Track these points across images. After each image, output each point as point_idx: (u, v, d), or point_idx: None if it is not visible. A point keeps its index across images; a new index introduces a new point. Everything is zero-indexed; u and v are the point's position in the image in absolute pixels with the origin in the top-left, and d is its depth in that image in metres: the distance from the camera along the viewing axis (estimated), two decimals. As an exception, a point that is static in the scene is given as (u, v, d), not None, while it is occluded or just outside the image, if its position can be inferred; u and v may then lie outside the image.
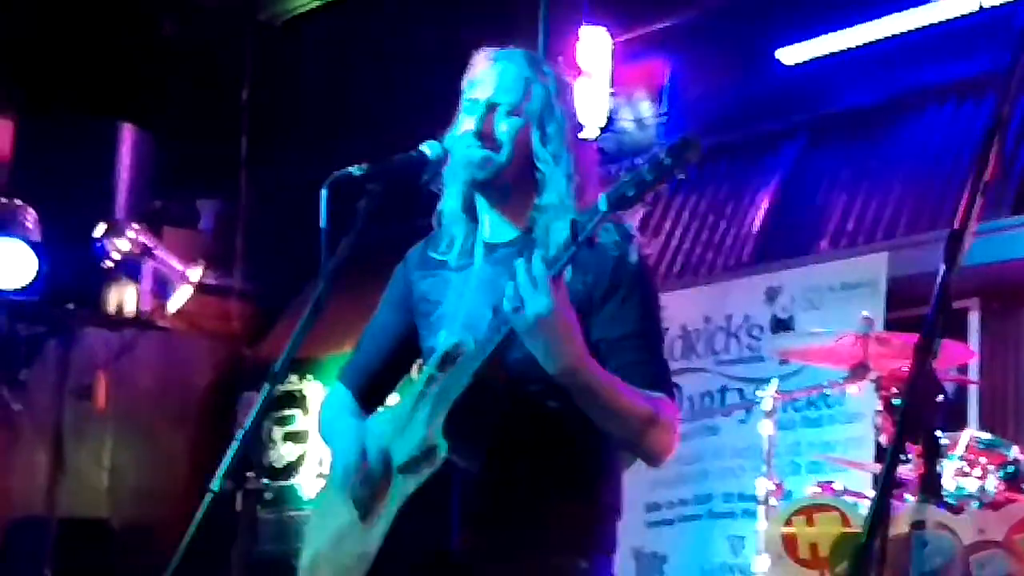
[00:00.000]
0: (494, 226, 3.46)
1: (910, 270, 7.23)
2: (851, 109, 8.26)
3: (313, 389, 10.14)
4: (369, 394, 3.68)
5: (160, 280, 9.43)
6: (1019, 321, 7.25)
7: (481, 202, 3.47)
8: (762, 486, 5.58)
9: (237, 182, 9.99)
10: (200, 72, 9.95)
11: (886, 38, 7.99)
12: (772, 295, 7.62)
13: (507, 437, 3.25)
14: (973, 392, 7.20)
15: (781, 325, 7.54)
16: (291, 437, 10.22)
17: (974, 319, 7.35)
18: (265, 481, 10.24)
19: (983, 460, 4.96)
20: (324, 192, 3.34)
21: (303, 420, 10.18)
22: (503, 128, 3.36)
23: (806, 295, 7.49)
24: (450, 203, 3.52)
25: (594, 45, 8.73)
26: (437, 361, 3.36)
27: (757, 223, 8.24)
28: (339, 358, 10.07)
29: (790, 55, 8.43)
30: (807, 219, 8.09)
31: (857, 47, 8.12)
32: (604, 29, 8.83)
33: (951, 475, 4.94)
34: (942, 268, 2.32)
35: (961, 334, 7.16)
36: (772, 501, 5.54)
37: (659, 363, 3.29)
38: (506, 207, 3.43)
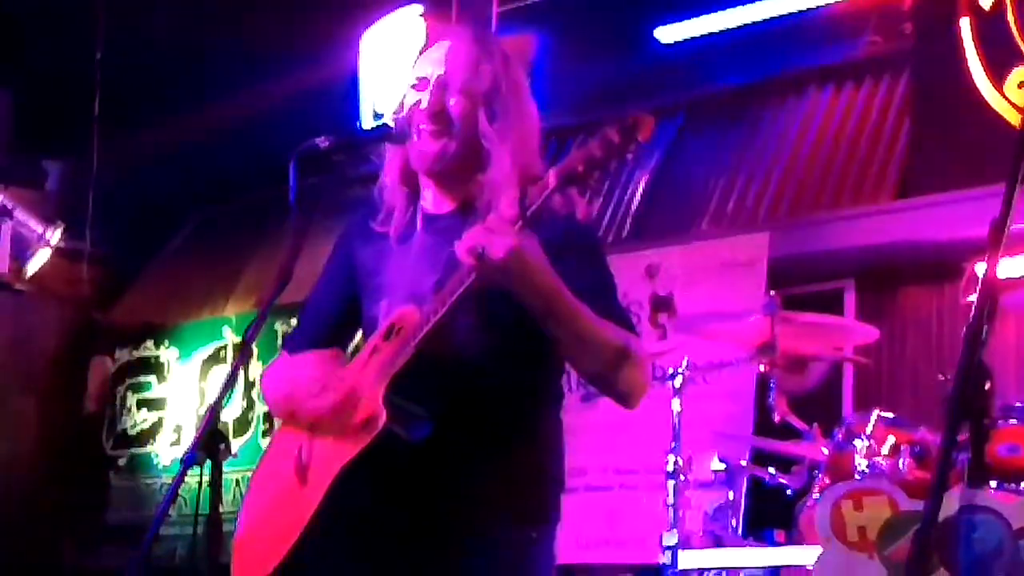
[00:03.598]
0: (436, 198, 3.48)
1: (790, 250, 7.37)
2: (730, 89, 8.34)
3: (170, 356, 10.01)
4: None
5: (17, 242, 9.23)
6: (893, 302, 7.39)
7: (423, 175, 3.48)
8: (671, 461, 5.64)
9: (88, 143, 9.78)
10: (52, 30, 9.74)
11: (767, 19, 8.08)
12: (652, 272, 7.69)
13: (450, 408, 3.26)
14: (848, 371, 7.35)
15: (661, 302, 7.62)
16: (146, 404, 10.09)
17: (850, 299, 7.48)
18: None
19: (892, 439, 5.06)
20: (292, 165, 3.30)
21: (159, 387, 10.05)
22: (455, 108, 3.37)
23: (686, 273, 7.57)
24: (391, 175, 3.52)
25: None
26: (382, 332, 3.35)
27: (636, 201, 8.30)
28: (196, 325, 10.02)
29: (668, 34, 8.48)
30: (687, 197, 8.17)
31: (737, 27, 8.19)
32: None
33: (863, 454, 5.04)
34: (988, 256, 2.34)
35: (838, 313, 7.29)
36: (681, 477, 5.61)
37: (621, 310, 3.33)
38: (449, 181, 3.44)
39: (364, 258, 3.56)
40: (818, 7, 7.91)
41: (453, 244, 3.31)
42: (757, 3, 8.09)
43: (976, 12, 6.98)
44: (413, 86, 3.44)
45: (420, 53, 3.52)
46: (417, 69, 3.45)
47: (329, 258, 3.70)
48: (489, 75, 3.40)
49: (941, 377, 4.64)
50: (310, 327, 3.71)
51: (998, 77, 6.84)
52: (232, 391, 3.16)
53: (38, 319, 10.39)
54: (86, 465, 10.21)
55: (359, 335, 3.62)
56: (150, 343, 10.15)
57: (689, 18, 8.38)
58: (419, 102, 3.39)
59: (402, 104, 3.46)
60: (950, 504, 2.24)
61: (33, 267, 9.32)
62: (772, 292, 5.97)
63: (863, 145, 7.61)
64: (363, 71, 9.21)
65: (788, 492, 5.77)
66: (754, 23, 8.12)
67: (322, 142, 3.34)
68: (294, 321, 3.85)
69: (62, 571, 10.12)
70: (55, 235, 9.28)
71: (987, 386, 2.25)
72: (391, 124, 3.44)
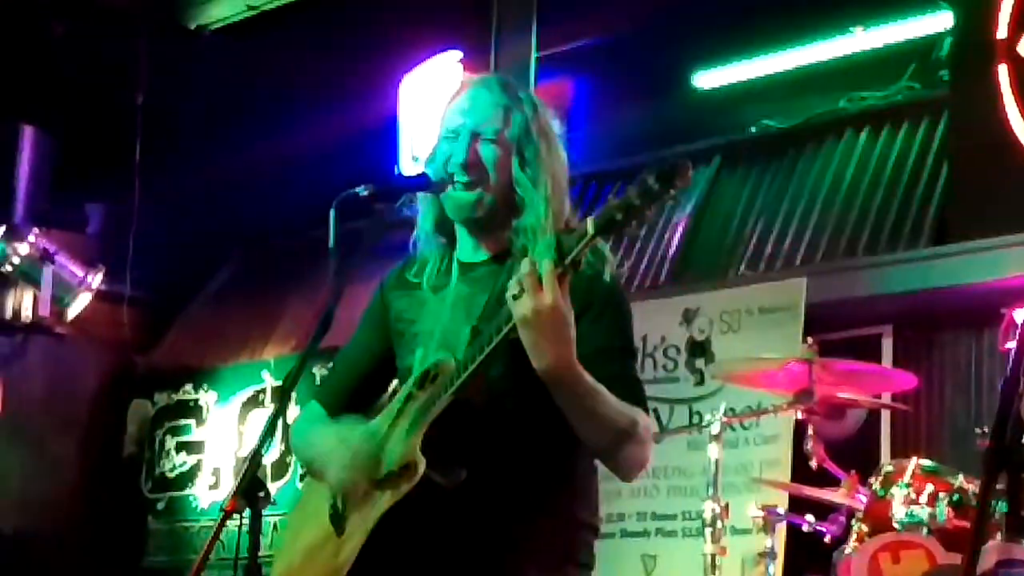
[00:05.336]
0: (471, 247, 3.51)
1: (828, 295, 7.36)
2: (767, 133, 8.35)
3: (209, 399, 10.04)
4: (344, 412, 3.68)
5: (58, 285, 9.30)
6: (931, 348, 7.36)
7: (459, 224, 3.50)
8: (709, 508, 5.64)
9: (129, 186, 9.85)
10: (94, 74, 9.81)
11: (804, 66, 8.11)
12: (689, 317, 7.69)
13: (485, 454, 3.29)
14: (885, 418, 7.32)
15: (698, 347, 7.63)
16: (185, 447, 10.11)
17: (887, 345, 7.46)
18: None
19: (930, 487, 5.03)
20: (332, 212, 3.34)
21: (198, 430, 10.07)
22: (488, 158, 3.40)
23: (723, 318, 7.57)
24: (426, 226, 3.54)
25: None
26: (417, 379, 3.38)
27: (673, 245, 8.30)
28: (235, 368, 10.05)
29: (706, 80, 8.52)
30: (724, 242, 8.17)
31: (775, 74, 8.23)
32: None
33: (901, 503, 5.02)
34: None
35: (875, 359, 7.27)
36: (719, 524, 5.60)
37: (634, 378, 3.35)
38: (484, 229, 3.47)
39: (400, 309, 3.59)
40: (856, 53, 7.94)
41: (488, 292, 3.34)
42: (794, 50, 8.13)
43: (1013, 59, 6.97)
44: (445, 138, 3.46)
45: (450, 99, 3.53)
46: (447, 120, 3.48)
47: (366, 310, 3.73)
48: (520, 122, 3.43)
49: (978, 430, 4.63)
50: (341, 377, 3.76)
51: (1036, 124, 6.85)
52: (272, 438, 3.18)
53: (78, 362, 10.43)
54: (124, 508, 10.23)
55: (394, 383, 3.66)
56: (189, 386, 10.18)
57: (727, 64, 8.43)
58: (452, 154, 3.42)
59: (434, 154, 3.49)
60: (988, 558, 2.25)
61: (74, 310, 9.40)
62: (809, 338, 5.97)
63: (901, 190, 7.61)
64: (402, 116, 9.27)
65: (826, 539, 5.75)
66: (792, 69, 8.16)
67: (362, 191, 3.37)
68: (330, 368, 3.88)
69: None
70: (96, 279, 9.36)
71: (1024, 440, 2.26)
72: (428, 173, 3.47)
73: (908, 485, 5.06)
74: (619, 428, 3.21)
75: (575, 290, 3.16)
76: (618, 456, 3.27)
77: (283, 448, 9.02)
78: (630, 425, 3.22)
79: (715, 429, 5.71)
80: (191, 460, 10.05)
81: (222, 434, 9.90)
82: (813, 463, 5.91)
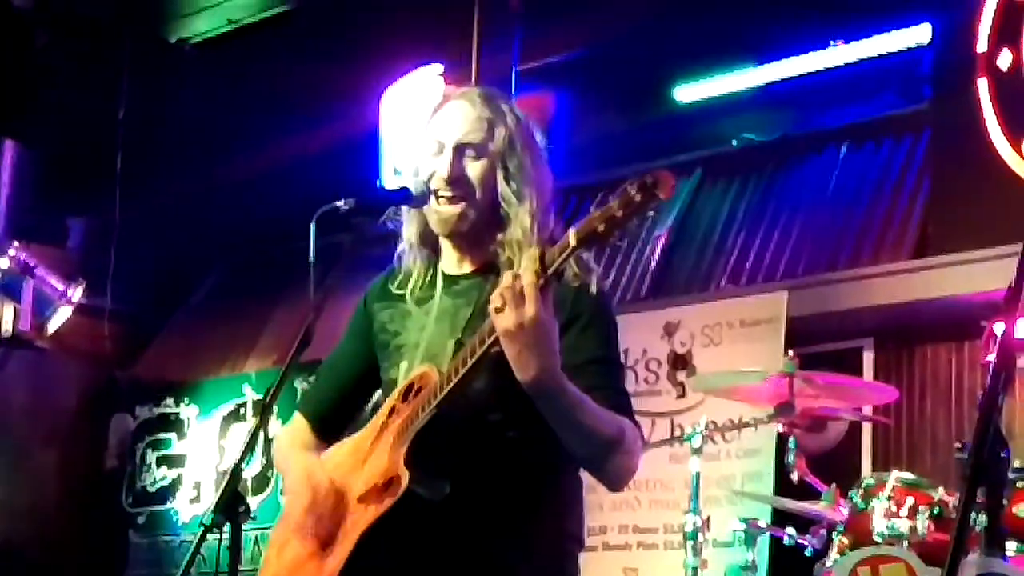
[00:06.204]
0: (455, 260, 3.50)
1: (809, 308, 7.37)
2: (748, 147, 8.36)
3: (190, 413, 10.03)
4: (328, 424, 3.70)
5: (39, 299, 9.29)
6: (912, 361, 7.38)
7: (443, 238, 3.50)
8: (690, 521, 5.65)
9: (110, 200, 9.84)
10: (75, 87, 9.80)
11: (785, 79, 8.12)
12: (670, 330, 7.70)
13: (469, 467, 3.28)
14: (866, 431, 7.34)
15: (679, 360, 7.63)
16: (165, 461, 10.09)
17: (868, 358, 7.48)
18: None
19: (911, 500, 5.04)
20: (312, 226, 3.33)
21: (179, 444, 10.06)
22: (472, 172, 3.39)
23: (705, 331, 7.58)
24: (410, 238, 3.53)
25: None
26: (400, 392, 3.37)
27: (655, 258, 8.31)
28: (216, 382, 10.03)
29: (687, 93, 8.53)
30: (705, 255, 8.18)
31: (756, 87, 8.24)
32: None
33: (881, 515, 5.03)
34: (1003, 324, 2.35)
35: (856, 372, 7.29)
36: (700, 537, 5.61)
37: (621, 389, 3.33)
38: (469, 242, 3.46)
39: (383, 320, 3.58)
40: (836, 67, 7.96)
41: (472, 305, 3.33)
42: (776, 64, 8.14)
43: (994, 73, 7.00)
44: (428, 151, 3.45)
45: (433, 113, 3.53)
46: (431, 133, 3.46)
47: (350, 320, 3.72)
48: (503, 135, 3.41)
49: (957, 444, 4.63)
50: (324, 388, 3.76)
51: (1016, 138, 6.86)
52: (252, 453, 3.17)
53: (59, 376, 10.42)
54: (105, 522, 10.21)
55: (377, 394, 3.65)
56: (170, 400, 10.17)
57: (708, 78, 8.44)
58: (436, 168, 3.41)
59: (418, 168, 3.48)
60: (967, 573, 2.24)
61: (55, 324, 9.38)
62: (791, 351, 5.98)
63: (882, 204, 7.63)
64: (384, 129, 9.26)
65: (807, 552, 5.75)
66: (773, 83, 8.17)
67: (342, 204, 3.36)
68: (313, 379, 3.88)
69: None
70: (76, 293, 9.34)
71: (1003, 454, 2.25)
72: (410, 187, 3.46)
73: (889, 498, 5.07)
74: (606, 438, 3.19)
75: (562, 301, 3.17)
76: (605, 466, 3.25)
77: (264, 462, 9.00)
78: (617, 435, 3.21)
79: (696, 442, 5.73)
80: (172, 474, 10.03)
81: (203, 448, 9.89)
82: (794, 476, 5.92)
